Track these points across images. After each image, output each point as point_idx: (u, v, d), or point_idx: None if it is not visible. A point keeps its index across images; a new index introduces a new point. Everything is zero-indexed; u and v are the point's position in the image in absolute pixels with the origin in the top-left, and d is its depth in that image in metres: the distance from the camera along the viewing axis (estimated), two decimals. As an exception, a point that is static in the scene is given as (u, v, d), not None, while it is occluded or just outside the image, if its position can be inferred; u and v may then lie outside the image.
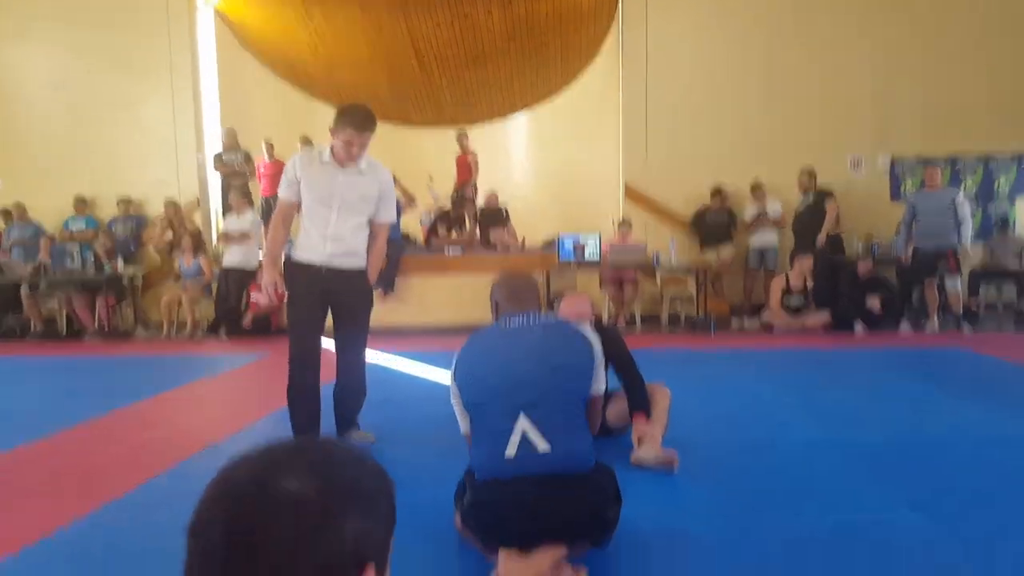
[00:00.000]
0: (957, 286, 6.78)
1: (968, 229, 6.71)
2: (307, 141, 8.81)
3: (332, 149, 3.16)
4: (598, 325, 3.07)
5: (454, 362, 2.14)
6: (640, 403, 3.07)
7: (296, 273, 3.21)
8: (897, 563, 2.08)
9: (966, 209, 6.68)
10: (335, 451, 0.68)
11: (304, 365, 3.18)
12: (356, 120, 3.06)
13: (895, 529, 2.31)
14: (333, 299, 3.24)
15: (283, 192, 3.23)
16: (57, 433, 3.73)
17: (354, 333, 3.33)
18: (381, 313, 6.50)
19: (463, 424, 2.11)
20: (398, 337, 6.89)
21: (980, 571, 2.03)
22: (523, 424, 1.91)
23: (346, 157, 3.12)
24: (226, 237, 7.71)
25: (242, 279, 7.60)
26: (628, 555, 2.13)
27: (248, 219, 7.70)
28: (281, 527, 0.59)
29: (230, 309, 7.56)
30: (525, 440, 1.90)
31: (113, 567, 2.15)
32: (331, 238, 3.16)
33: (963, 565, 2.07)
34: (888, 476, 2.81)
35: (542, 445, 1.90)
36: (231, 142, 8.67)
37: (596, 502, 1.95)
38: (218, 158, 8.74)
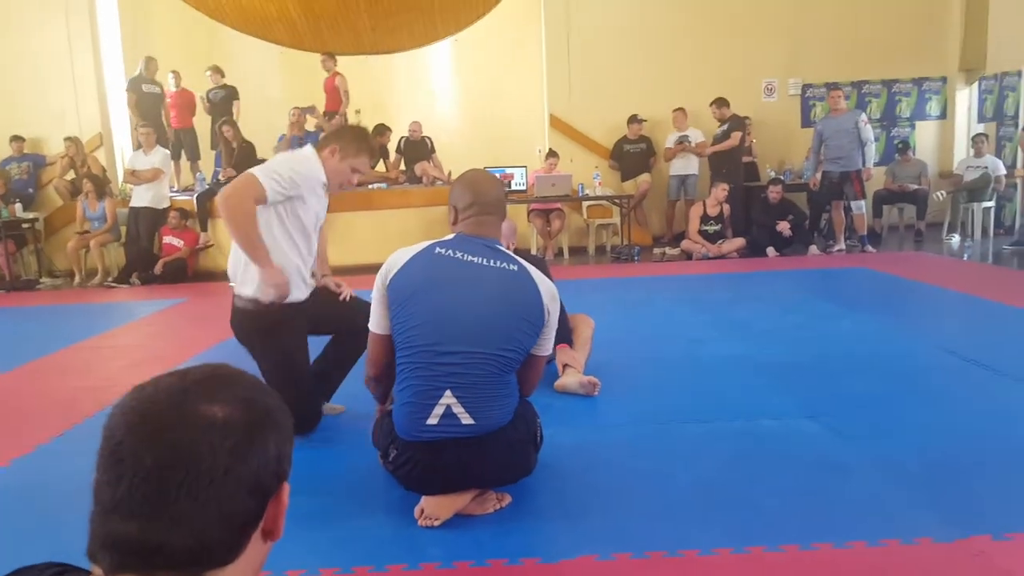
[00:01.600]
0: (862, 208, 7.16)
1: (871, 151, 7.05)
2: (217, 70, 8.33)
3: (326, 170, 2.60)
4: (525, 255, 3.12)
5: (396, 268, 1.93)
6: (562, 333, 3.17)
7: (285, 318, 2.53)
8: (791, 462, 2.30)
9: (869, 131, 7.01)
10: (241, 376, 0.71)
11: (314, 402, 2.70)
12: (375, 150, 2.68)
13: (791, 434, 2.53)
14: (314, 311, 2.71)
15: (274, 191, 2.40)
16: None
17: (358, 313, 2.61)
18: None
19: (378, 323, 1.97)
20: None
21: (860, 467, 2.26)
22: (448, 399, 1.85)
23: (345, 184, 2.70)
24: (134, 175, 7.30)
25: (153, 219, 7.26)
26: (550, 476, 2.24)
27: (159, 155, 7.31)
28: (215, 449, 0.62)
29: (141, 251, 7.23)
30: (449, 412, 1.85)
31: (37, 510, 2.13)
32: (309, 266, 2.69)
33: (845, 463, 2.29)
34: (789, 387, 3.04)
35: (466, 420, 1.85)
36: (152, 72, 8.10)
37: (517, 453, 1.97)
38: (135, 87, 8.15)
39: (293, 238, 2.54)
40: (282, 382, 2.43)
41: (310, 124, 7.53)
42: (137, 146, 7.84)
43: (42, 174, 8.23)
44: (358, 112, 8.79)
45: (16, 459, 2.57)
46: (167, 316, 5.48)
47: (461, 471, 1.89)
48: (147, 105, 8.14)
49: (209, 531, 0.62)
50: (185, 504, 0.61)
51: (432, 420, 1.86)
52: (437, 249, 1.95)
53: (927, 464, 2.27)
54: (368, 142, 2.74)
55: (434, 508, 1.91)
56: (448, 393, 1.84)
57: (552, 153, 7.90)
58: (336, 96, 8.27)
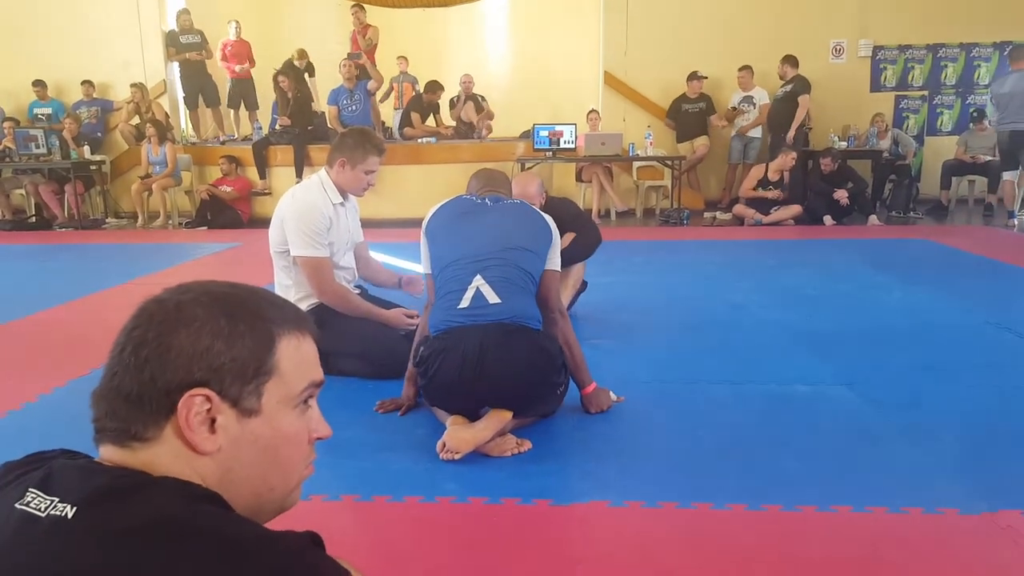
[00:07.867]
0: (1016, 175, 6.67)
1: None
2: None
3: (341, 184, 2.73)
4: (553, 201, 3.14)
5: (430, 215, 2.34)
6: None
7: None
8: (819, 427, 2.26)
9: None
10: (232, 284, 0.74)
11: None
12: (381, 145, 2.73)
13: (823, 400, 2.49)
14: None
15: (327, 250, 2.66)
16: (33, 314, 3.79)
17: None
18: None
19: (425, 264, 2.33)
20: (372, 228, 6.89)
21: (891, 436, 2.21)
22: (478, 282, 2.13)
23: (365, 187, 2.77)
24: None
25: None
26: (571, 425, 2.27)
27: None
28: (144, 325, 0.67)
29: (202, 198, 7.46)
30: (479, 294, 2.12)
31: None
32: (352, 275, 2.94)
33: (876, 431, 2.25)
34: (828, 354, 2.96)
35: (493, 298, 2.10)
36: (186, 24, 8.26)
37: (539, 354, 2.10)
38: (173, 41, 8.32)
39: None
40: (366, 339, 2.66)
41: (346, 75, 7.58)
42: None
43: (109, 119, 8.53)
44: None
45: (73, 380, 2.74)
46: (221, 258, 5.68)
47: (486, 358, 2.00)
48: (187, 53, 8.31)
49: (128, 401, 0.66)
50: (120, 373, 0.67)
51: (464, 303, 2.12)
52: (461, 196, 2.38)
53: (962, 437, 2.21)
54: (370, 139, 2.75)
55: (456, 442, 1.97)
56: (479, 277, 2.14)
57: (594, 111, 7.75)
58: (357, 45, 8.24)
